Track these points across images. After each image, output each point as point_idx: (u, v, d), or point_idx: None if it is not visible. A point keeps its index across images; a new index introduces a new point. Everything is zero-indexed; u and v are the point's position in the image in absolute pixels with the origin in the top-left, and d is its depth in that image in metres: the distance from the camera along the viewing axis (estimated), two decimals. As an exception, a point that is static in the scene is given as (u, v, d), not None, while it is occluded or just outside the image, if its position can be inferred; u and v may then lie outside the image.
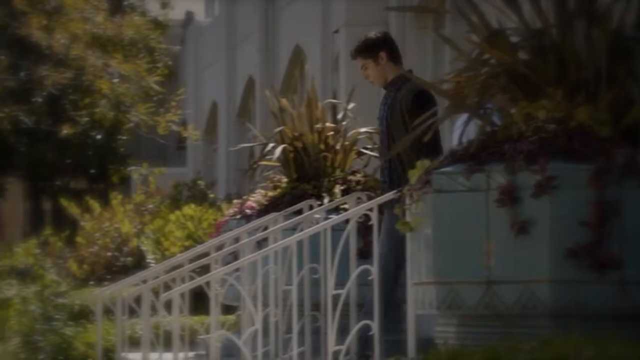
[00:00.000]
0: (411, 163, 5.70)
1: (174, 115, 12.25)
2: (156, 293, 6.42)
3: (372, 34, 6.11)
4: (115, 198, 13.47)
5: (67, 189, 20.39)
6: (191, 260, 6.80)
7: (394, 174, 6.10)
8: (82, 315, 10.53)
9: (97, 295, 7.46)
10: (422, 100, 5.70)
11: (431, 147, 5.64)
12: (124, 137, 19.22)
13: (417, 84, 5.84)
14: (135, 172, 15.45)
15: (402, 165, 5.94)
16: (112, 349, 7.86)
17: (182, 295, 6.14)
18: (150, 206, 13.79)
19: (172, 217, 12.40)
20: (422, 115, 5.59)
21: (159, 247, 12.04)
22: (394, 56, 5.95)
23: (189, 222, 12.31)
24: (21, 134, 19.04)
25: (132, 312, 7.11)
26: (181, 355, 6.12)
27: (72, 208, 13.32)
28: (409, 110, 5.86)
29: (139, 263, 11.98)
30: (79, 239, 13.16)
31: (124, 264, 12.45)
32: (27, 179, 20.82)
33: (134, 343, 7.08)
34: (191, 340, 6.70)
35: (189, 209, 12.58)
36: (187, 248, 10.18)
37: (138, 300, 6.63)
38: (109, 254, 12.68)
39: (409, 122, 5.79)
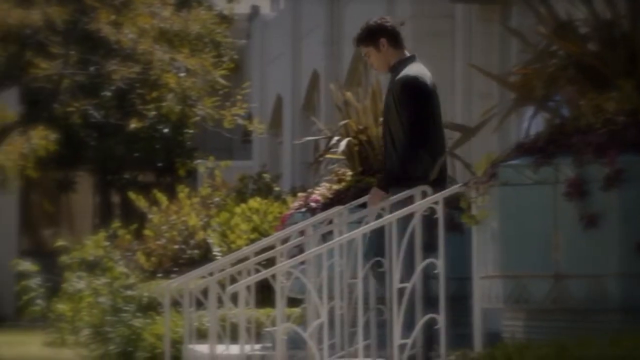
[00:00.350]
0: (404, 153, 5.68)
1: (240, 108, 12.31)
2: (222, 285, 6.47)
3: (372, 20, 6.07)
4: (182, 191, 13.59)
5: (135, 182, 20.65)
6: (257, 253, 6.84)
7: (387, 162, 6.06)
8: (150, 307, 10.65)
9: (164, 287, 7.54)
10: (408, 88, 5.67)
11: (423, 137, 5.57)
12: (191, 131, 19.38)
13: (411, 71, 5.80)
14: (202, 165, 15.57)
15: (395, 153, 5.90)
16: (179, 340, 7.94)
17: (248, 287, 6.18)
18: (217, 199, 13.89)
19: (238, 210, 12.47)
20: (409, 103, 5.59)
21: (225, 240, 12.12)
22: (395, 42, 5.92)
23: (255, 215, 12.36)
24: (90, 128, 19.32)
25: (199, 305, 7.17)
26: (247, 347, 6.16)
27: (140, 201, 13.48)
28: (398, 98, 5.84)
29: (206, 256, 12.07)
30: (146, 232, 13.31)
31: (190, 256, 12.56)
32: (97, 173, 21.13)
33: (201, 335, 7.15)
34: (257, 333, 6.74)
35: (255, 202, 12.64)
36: (252, 241, 10.23)
37: (205, 292, 6.68)
38: (176, 246, 12.80)
39: (400, 110, 5.78)
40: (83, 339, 12.26)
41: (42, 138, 12.85)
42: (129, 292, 11.81)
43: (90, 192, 21.53)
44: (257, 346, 6.70)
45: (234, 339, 6.19)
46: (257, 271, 6.27)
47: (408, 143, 5.76)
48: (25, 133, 13.07)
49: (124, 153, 20.22)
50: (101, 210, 21.30)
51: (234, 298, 6.01)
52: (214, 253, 11.94)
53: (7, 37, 11.61)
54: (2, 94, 12.33)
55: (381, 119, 7.24)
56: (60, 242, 14.71)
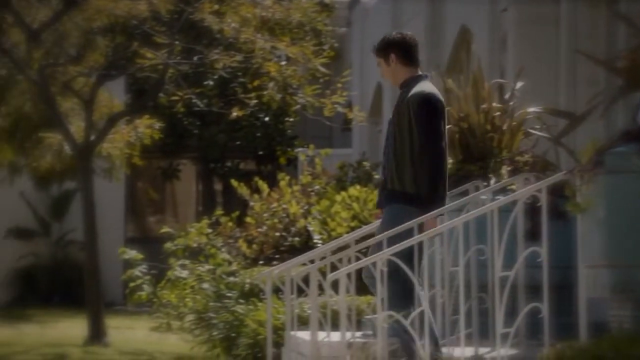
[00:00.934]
0: (405, 168, 5.63)
1: (340, 96, 12.32)
2: (323, 273, 6.50)
3: (390, 34, 6.03)
4: (283, 179, 13.69)
5: (237, 170, 20.89)
6: (357, 241, 6.86)
7: (387, 174, 6.00)
8: (252, 294, 10.77)
9: (266, 274, 7.62)
10: (428, 105, 5.60)
11: (444, 154, 5.52)
12: (291, 119, 19.51)
13: (425, 88, 5.73)
14: (302, 153, 15.65)
15: (397, 167, 5.83)
16: (281, 327, 8.01)
17: (349, 275, 6.20)
18: (317, 187, 13.95)
19: (338, 198, 12.50)
20: (429, 120, 5.51)
21: (326, 228, 12.17)
22: (406, 59, 5.83)
23: (355, 203, 12.37)
24: (194, 116, 19.60)
25: (300, 292, 7.23)
26: (348, 334, 6.18)
27: (241, 189, 13.63)
28: (415, 114, 5.73)
29: (306, 243, 12.15)
30: (248, 219, 13.45)
31: (291, 244, 12.65)
32: (199, 161, 21.44)
33: (302, 322, 7.20)
34: (358, 320, 6.75)
35: (355, 190, 12.65)
36: (352, 229, 10.25)
37: (306, 279, 6.73)
38: (277, 234, 12.91)
39: (415, 126, 5.69)
40: (187, 325, 12.48)
41: (147, 127, 13.09)
42: (232, 279, 11.96)
43: (193, 180, 21.86)
44: (358, 333, 6.71)
45: (335, 326, 6.22)
46: (358, 259, 6.29)
47: (430, 158, 5.67)
48: (131, 122, 13.35)
49: (226, 141, 20.45)
50: (204, 198, 21.62)
51: (335, 285, 6.04)
52: (315, 240, 12.01)
53: (114, 28, 11.86)
54: (109, 84, 12.59)
55: (484, 107, 7.17)
56: (164, 230, 15.00)
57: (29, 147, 13.87)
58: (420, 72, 5.96)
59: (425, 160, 5.64)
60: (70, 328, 13.07)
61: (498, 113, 7.45)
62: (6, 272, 17.08)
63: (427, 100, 5.66)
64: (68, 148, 12.58)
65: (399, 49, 5.83)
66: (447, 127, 5.94)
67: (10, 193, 16.10)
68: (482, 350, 5.99)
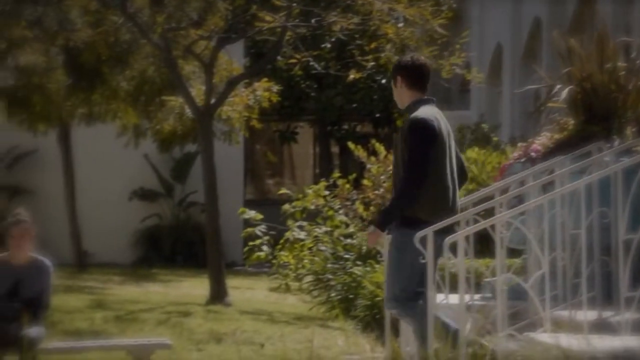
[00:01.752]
0: (400, 191, 5.56)
1: (458, 58, 12.17)
2: (441, 235, 6.47)
3: (405, 56, 6.02)
4: (400, 141, 13.66)
5: (354, 132, 20.93)
6: (475, 204, 6.80)
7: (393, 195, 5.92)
8: (369, 256, 10.82)
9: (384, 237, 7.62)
10: (413, 129, 5.51)
11: (421, 178, 5.41)
12: (409, 81, 19.35)
13: (420, 113, 5.62)
14: (419, 115, 15.53)
15: (395, 189, 5.75)
16: (398, 288, 8.03)
17: (467, 238, 6.17)
18: (434, 149, 13.86)
19: (457, 160, 12.40)
20: (413, 144, 5.44)
21: (443, 190, 12.09)
22: (412, 83, 5.75)
23: (473, 166, 12.26)
24: (311, 79, 19.70)
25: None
26: (467, 297, 6.16)
27: (358, 151, 13.66)
28: (406, 139, 5.66)
29: (424, 206, 12.09)
30: (365, 182, 13.49)
31: (409, 206, 12.61)
32: (317, 124, 21.56)
33: (420, 284, 7.19)
34: (477, 283, 6.72)
35: (473, 152, 12.54)
36: (470, 191, 10.16)
37: (423, 242, 6.71)
38: (395, 196, 12.89)
39: (404, 149, 5.63)
40: (305, 286, 12.64)
41: (265, 90, 13.21)
42: (349, 241, 12.04)
43: (310, 142, 22.01)
44: (477, 296, 6.68)
45: (453, 288, 6.20)
46: (476, 221, 6.24)
47: (405, 182, 5.59)
48: (250, 85, 13.49)
49: (343, 104, 20.49)
50: (321, 161, 21.75)
51: (453, 248, 6.01)
52: (432, 203, 11.94)
53: (234, -9, 11.97)
54: (229, 47, 12.74)
55: (608, 66, 6.99)
56: (282, 192, 15.17)
57: (152, 111, 14.19)
58: (425, 97, 5.84)
59: (403, 182, 5.58)
60: (193, 288, 13.38)
61: (623, 72, 7.25)
62: (131, 233, 17.57)
63: (417, 125, 5.59)
64: (189, 111, 12.81)
65: (406, 73, 5.79)
66: (447, 149, 5.75)
67: (135, 155, 16.50)
68: (606, 314, 5.90)
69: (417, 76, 5.78)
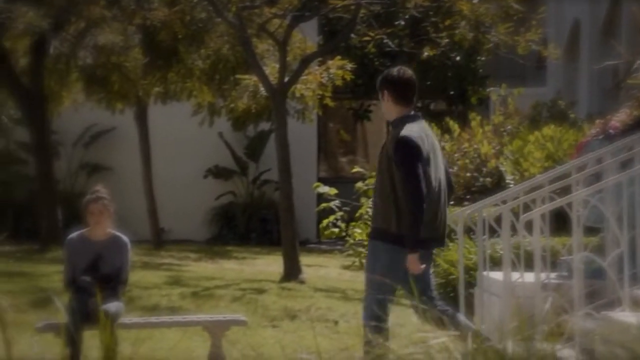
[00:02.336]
0: (388, 208, 5.52)
1: (535, 34, 12.02)
2: (516, 213, 6.43)
3: (390, 70, 5.90)
4: (474, 119, 13.56)
5: (428, 110, 20.82)
6: (551, 181, 6.73)
7: (374, 209, 5.88)
8: (443, 234, 10.78)
9: (458, 215, 7.61)
10: (399, 146, 5.46)
11: (422, 195, 5.34)
12: (483, 58, 19.21)
13: (404, 131, 5.56)
14: (494, 93, 15.41)
15: (382, 205, 5.69)
16: (473, 267, 8.00)
17: (543, 216, 6.11)
18: (509, 127, 13.74)
19: (531, 137, 12.28)
20: (403, 162, 5.39)
21: (518, 168, 12.00)
22: (397, 98, 5.69)
23: (549, 143, 12.12)
24: (385, 56, 19.62)
25: (492, 232, 7.18)
26: (542, 275, 6.11)
27: (432, 129, 13.59)
28: (390, 155, 5.60)
29: (498, 184, 12.03)
30: (441, 159, 13.41)
31: (483, 184, 12.55)
32: (390, 101, 21.43)
33: (495, 262, 7.16)
34: (552, 261, 6.66)
35: (549, 130, 12.38)
36: (546, 169, 10.06)
37: (498, 220, 6.67)
38: (468, 174, 12.83)
39: (389, 166, 5.59)
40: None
41: (339, 68, 13.21)
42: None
43: (384, 120, 21.94)
44: (553, 275, 6.62)
45: (529, 267, 6.15)
46: (552, 199, 6.18)
47: (411, 199, 5.50)
48: (323, 63, 13.51)
49: (417, 81, 20.37)
50: (395, 138, 21.65)
51: (528, 226, 5.96)
52: (507, 181, 11.87)
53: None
54: (303, 25, 12.76)
55: None
56: (355, 170, 15.17)
57: (226, 89, 14.30)
58: (412, 112, 5.78)
59: (407, 204, 5.52)
60: (267, 265, 13.49)
61: None
62: (206, 210, 17.77)
63: (401, 143, 5.56)
64: (263, 89, 12.88)
65: (392, 87, 5.75)
66: (432, 164, 5.69)
67: (210, 134, 16.66)
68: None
69: (403, 90, 5.76)
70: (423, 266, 5.63)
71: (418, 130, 5.67)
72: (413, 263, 5.58)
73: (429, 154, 5.65)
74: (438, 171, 5.74)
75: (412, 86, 5.77)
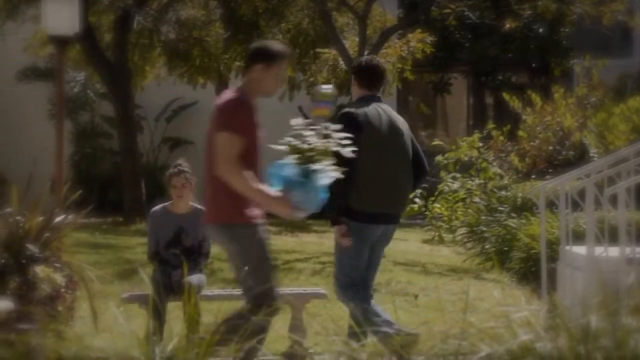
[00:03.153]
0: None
1: (620, 4, 11.78)
2: (600, 187, 6.34)
3: (361, 58, 6.53)
4: (557, 91, 13.36)
5: (509, 83, 20.57)
6: (636, 154, 6.61)
7: None
8: (524, 208, 10.68)
9: (539, 188, 7.53)
10: (339, 121, 5.62)
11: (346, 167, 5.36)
12: (567, 30, 18.89)
13: (350, 107, 5.98)
14: (578, 64, 15.17)
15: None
16: (555, 241, 7.91)
17: (628, 189, 6.01)
18: (593, 99, 13.51)
19: (616, 110, 12.06)
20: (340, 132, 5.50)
21: (602, 141, 11.81)
22: (361, 82, 6.14)
23: (635, 115, 11.90)
24: (465, 29, 19.43)
25: (575, 206, 7.09)
26: (627, 250, 6.02)
27: (514, 102, 13.44)
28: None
29: (581, 157, 11.86)
30: (520, 133, 13.27)
31: (565, 157, 12.39)
32: (471, 74, 21.29)
33: (577, 236, 7.07)
34: (638, 235, 6.55)
35: (635, 102, 12.15)
36: (632, 142, 9.88)
37: (581, 194, 6.59)
38: (551, 147, 12.68)
39: None
40: (459, 238, 12.59)
41: (419, 41, 13.14)
42: (503, 193, 11.91)
43: (464, 93, 21.77)
44: (638, 249, 6.51)
45: (613, 241, 6.06)
46: (637, 173, 6.07)
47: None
48: (403, 36, 13.44)
49: (498, 54, 20.15)
50: (475, 112, 21.50)
51: (613, 200, 5.88)
52: (591, 154, 11.70)
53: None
54: (382, -1, 12.72)
55: None
56: (436, 143, 15.10)
57: (306, 63, 14.34)
58: (372, 94, 6.13)
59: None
60: (346, 238, 13.51)
61: None
62: (285, 183, 17.88)
63: (340, 117, 5.87)
64: (343, 63, 12.88)
65: (358, 74, 6.18)
66: (385, 143, 5.96)
67: (289, 108, 16.73)
68: None
69: (368, 77, 6.16)
70: (344, 235, 5.86)
71: (371, 109, 5.98)
72: (339, 234, 5.87)
73: (383, 132, 5.93)
74: (399, 150, 6.02)
75: (377, 73, 6.17)
